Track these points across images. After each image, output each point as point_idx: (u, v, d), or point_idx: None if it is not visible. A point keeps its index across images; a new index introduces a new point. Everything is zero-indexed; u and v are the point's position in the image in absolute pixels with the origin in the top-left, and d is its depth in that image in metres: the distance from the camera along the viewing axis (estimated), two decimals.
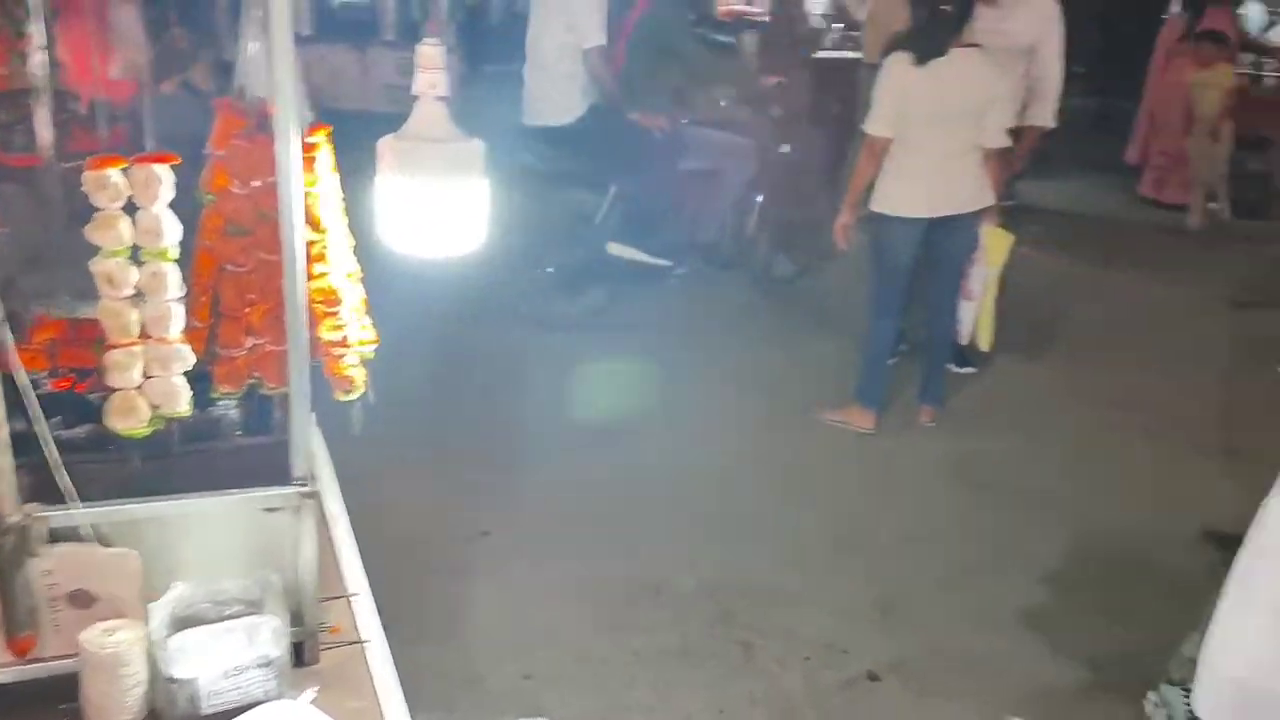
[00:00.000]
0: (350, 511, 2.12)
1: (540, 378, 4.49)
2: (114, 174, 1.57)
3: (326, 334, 1.74)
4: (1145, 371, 4.87)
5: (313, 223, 1.66)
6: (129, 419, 1.63)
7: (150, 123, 2.16)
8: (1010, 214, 4.28)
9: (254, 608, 1.59)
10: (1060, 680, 2.85)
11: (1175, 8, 8.38)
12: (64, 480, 1.54)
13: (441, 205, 1.67)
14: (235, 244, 1.75)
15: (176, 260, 1.63)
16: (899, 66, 3.82)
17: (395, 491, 3.40)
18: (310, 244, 1.64)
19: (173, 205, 1.62)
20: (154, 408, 1.65)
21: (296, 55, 1.49)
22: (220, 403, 1.86)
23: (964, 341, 4.34)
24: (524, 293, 5.07)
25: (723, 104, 5.81)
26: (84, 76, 2.15)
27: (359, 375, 1.80)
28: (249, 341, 1.79)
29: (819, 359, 4.74)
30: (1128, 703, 2.69)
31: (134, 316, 1.61)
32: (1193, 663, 2.51)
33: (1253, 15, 10.23)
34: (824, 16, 8.89)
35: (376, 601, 1.87)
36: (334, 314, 1.72)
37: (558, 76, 5.09)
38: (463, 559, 3.24)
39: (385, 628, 1.80)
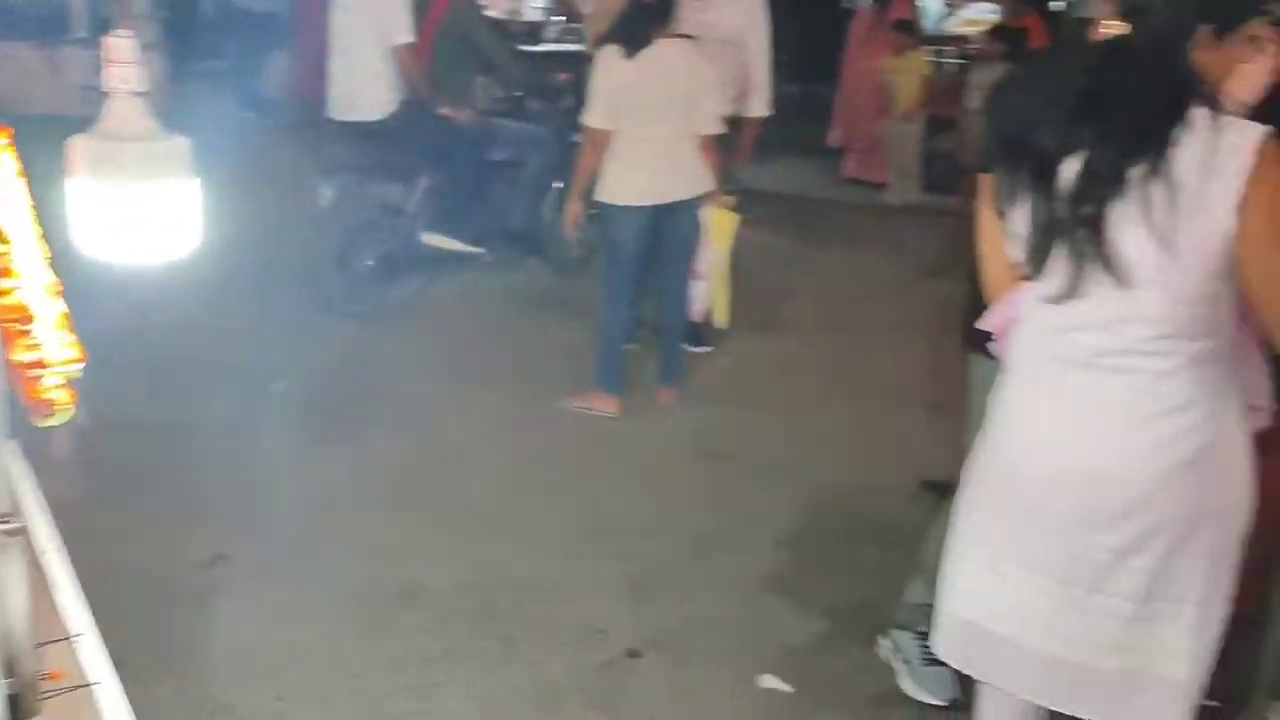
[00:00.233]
0: (69, 545, 1.95)
1: (298, 378, 4.35)
2: None
3: (20, 355, 1.58)
4: (857, 339, 5.24)
5: None
6: None
7: None
8: (738, 199, 4.51)
9: None
10: (804, 635, 3.02)
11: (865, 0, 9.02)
12: None
13: (140, 208, 1.55)
14: None
15: None
16: (609, 59, 3.95)
17: (118, 520, 3.16)
18: None
19: None
20: None
21: None
22: None
23: (698, 321, 4.55)
24: (339, 287, 5.11)
25: (520, 96, 6.19)
26: None
27: (62, 397, 1.66)
28: None
29: (578, 345, 4.78)
30: (865, 647, 2.90)
31: None
32: (915, 607, 2.74)
33: (931, 7, 11.21)
34: (545, 10, 9.01)
35: (105, 640, 1.73)
36: (27, 332, 1.57)
37: (368, 73, 5.21)
38: (200, 585, 3.06)
39: (117, 667, 1.67)
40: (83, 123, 1.59)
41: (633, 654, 2.92)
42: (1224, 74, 1.73)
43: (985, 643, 1.95)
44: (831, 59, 8.96)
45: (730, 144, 4.61)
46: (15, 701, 1.51)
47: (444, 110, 5.37)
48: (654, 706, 2.73)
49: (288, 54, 8.38)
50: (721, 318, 4.54)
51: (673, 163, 4.06)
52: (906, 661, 2.77)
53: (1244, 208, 1.61)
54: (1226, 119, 1.64)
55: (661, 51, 3.93)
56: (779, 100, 4.99)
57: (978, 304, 2.49)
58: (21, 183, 1.65)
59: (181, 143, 1.59)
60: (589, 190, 4.14)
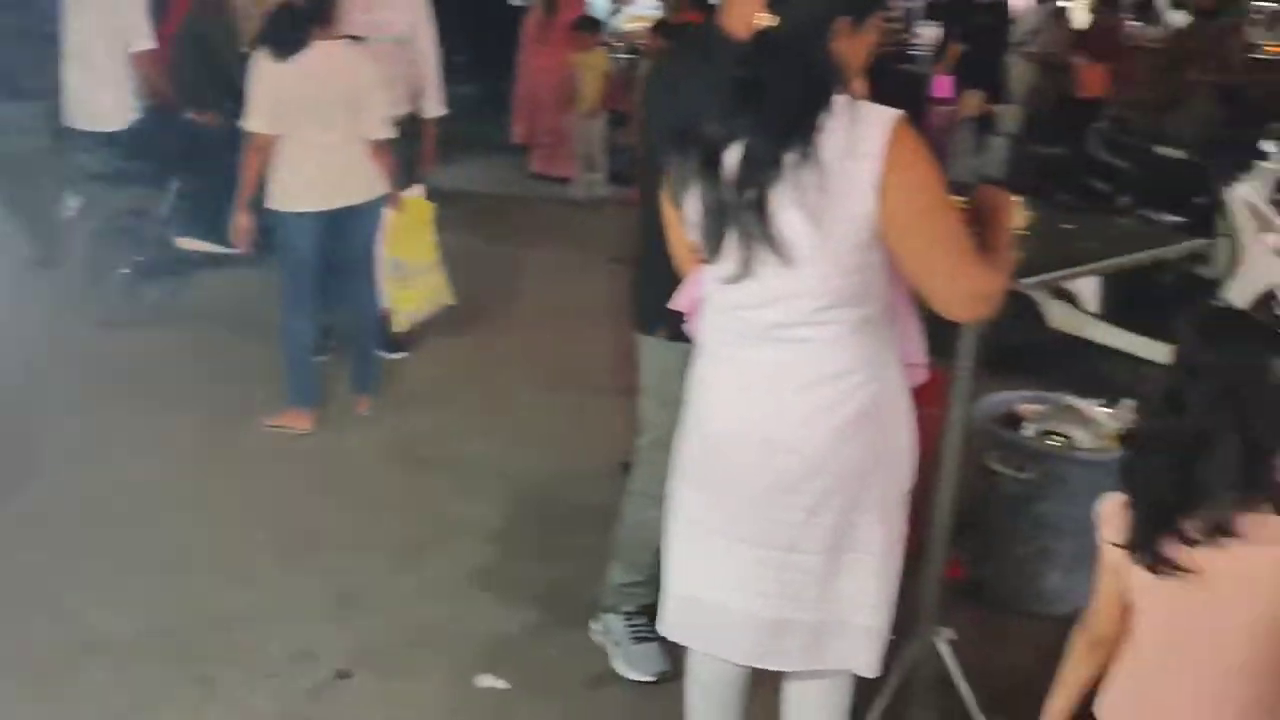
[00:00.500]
0: None
1: None
2: None
3: None
4: (552, 331, 5.32)
5: None
6: None
7: None
8: (430, 198, 4.48)
9: None
10: (516, 629, 3.05)
11: None
12: None
13: None
14: None
15: None
16: (264, 61, 3.79)
17: None
18: None
19: None
20: None
21: None
22: None
23: (395, 327, 4.49)
24: (96, 295, 4.93)
25: None
26: None
27: None
28: None
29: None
30: (578, 632, 2.96)
31: None
32: (619, 588, 2.82)
33: (599, 3, 11.49)
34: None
35: None
36: None
37: (108, 80, 4.99)
38: None
39: None
40: None
41: (342, 674, 2.83)
42: (859, 61, 1.86)
43: (699, 613, 2.03)
44: (506, 57, 9.01)
45: (409, 145, 4.55)
46: None
47: (191, 114, 5.20)
48: None
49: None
50: (403, 321, 4.51)
51: (344, 167, 3.95)
52: (617, 643, 2.84)
53: (883, 189, 1.73)
54: (863, 105, 1.76)
55: (321, 53, 3.81)
56: (458, 100, 4.97)
57: (641, 289, 2.60)
58: None
59: None
60: (259, 199, 3.96)
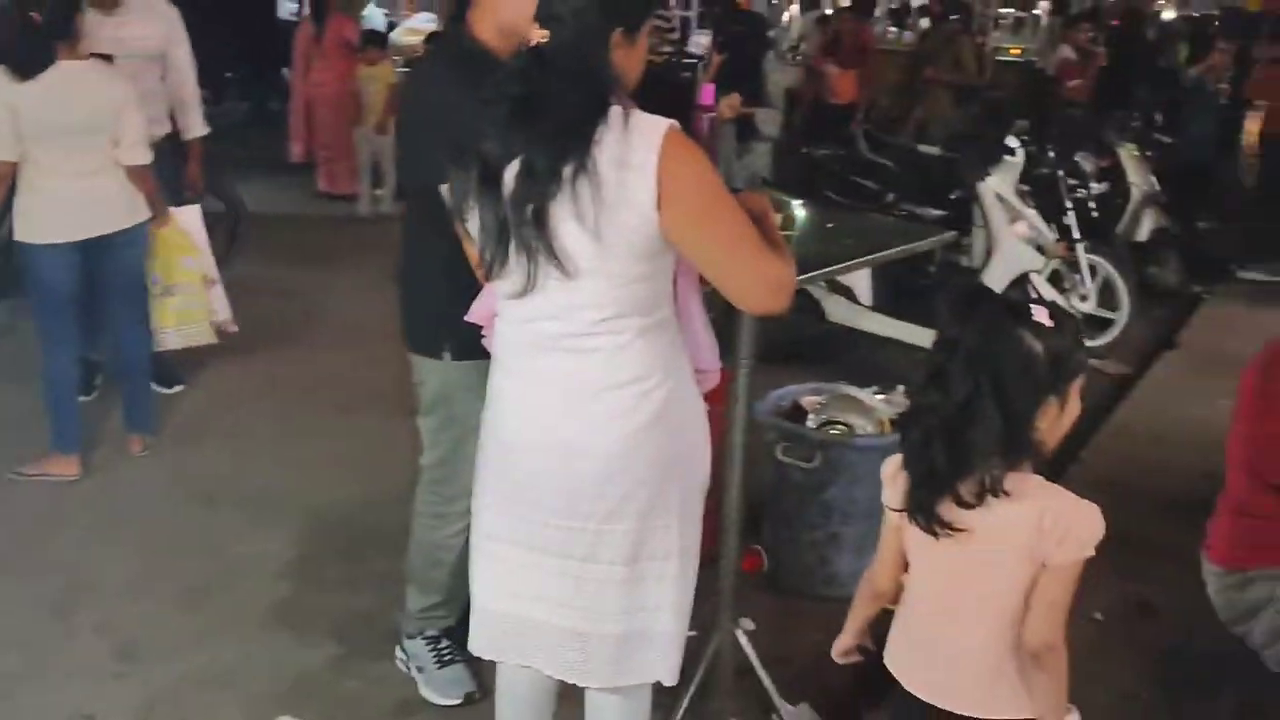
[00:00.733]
0: None
1: None
2: None
3: None
4: (342, 353, 5.18)
5: None
6: None
7: None
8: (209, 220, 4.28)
9: None
10: (316, 663, 2.94)
11: (304, 10, 8.86)
12: None
13: None
14: None
15: None
16: (1, 82, 3.52)
17: None
18: None
19: None
20: None
21: None
22: None
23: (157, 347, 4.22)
24: None
25: None
26: None
27: None
28: None
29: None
30: (383, 663, 2.88)
31: None
32: (418, 613, 2.77)
33: (376, 19, 11.31)
34: None
35: None
36: None
37: None
38: None
39: None
40: None
41: None
42: (634, 71, 1.88)
43: (506, 627, 2.01)
44: (278, 73, 8.73)
45: (172, 166, 4.33)
46: None
47: None
48: None
49: None
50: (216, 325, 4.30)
51: (97, 194, 3.70)
52: (421, 669, 2.78)
53: (661, 198, 1.75)
54: (636, 115, 1.77)
55: (66, 73, 3.56)
56: (235, 118, 4.78)
57: (411, 308, 2.55)
58: None
59: None
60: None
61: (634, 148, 1.74)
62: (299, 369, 5.03)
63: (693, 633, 2.12)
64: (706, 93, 3.14)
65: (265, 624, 3.11)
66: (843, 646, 1.99)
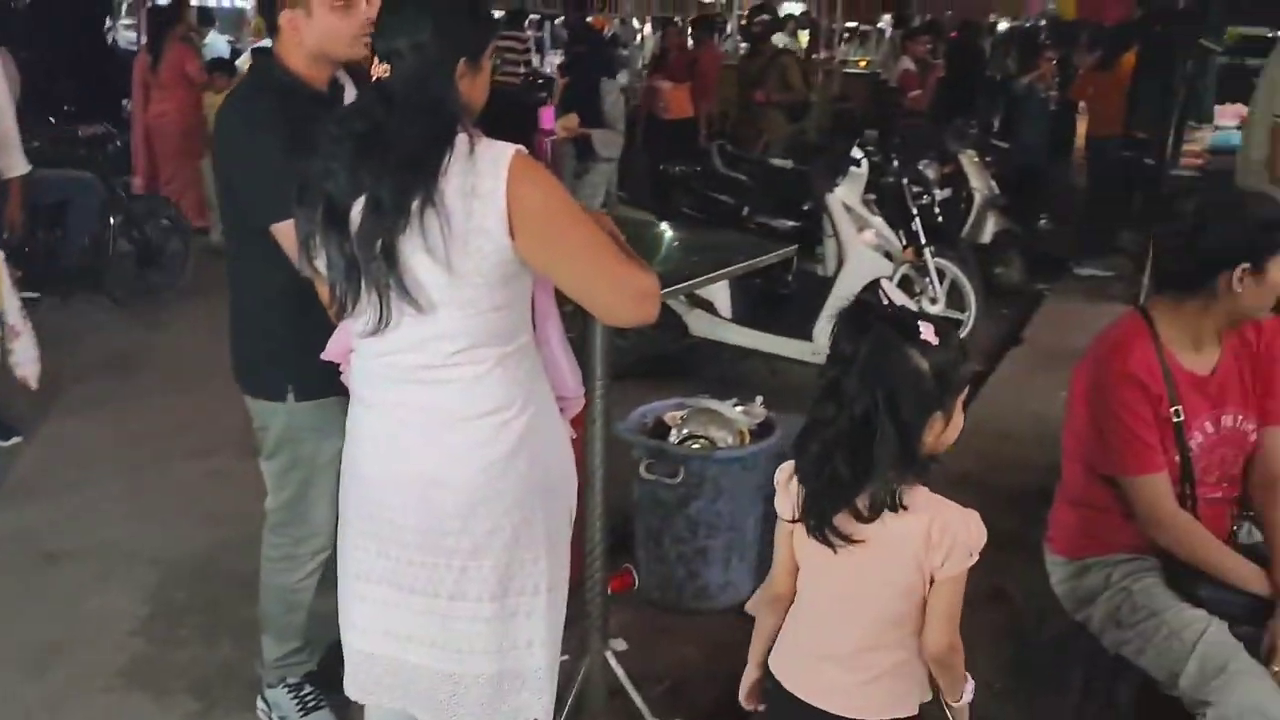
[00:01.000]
0: None
1: None
2: None
3: None
4: (199, 393, 4.97)
5: None
6: None
7: None
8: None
9: None
10: (172, 718, 2.82)
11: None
12: None
13: None
14: None
15: None
16: None
17: None
18: None
19: None
20: None
21: None
22: None
23: None
24: None
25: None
26: None
27: None
28: None
29: None
30: (246, 716, 2.78)
31: None
32: (276, 662, 2.68)
33: (219, 46, 11.00)
34: None
35: None
36: None
37: None
38: None
39: None
40: None
41: None
42: (478, 98, 1.86)
43: (380, 670, 1.96)
44: (119, 105, 8.41)
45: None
46: None
47: None
48: None
49: None
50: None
51: None
52: (284, 719, 2.70)
53: (513, 224, 1.74)
54: (482, 143, 1.76)
55: None
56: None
57: (244, 349, 2.46)
58: None
59: None
60: None
61: (481, 176, 1.74)
62: (149, 414, 4.82)
63: (564, 657, 2.11)
64: (546, 116, 3.15)
65: (119, 685, 2.96)
66: (748, 683, 1.97)
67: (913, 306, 5.14)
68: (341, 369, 2.03)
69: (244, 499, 3.91)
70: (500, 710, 1.95)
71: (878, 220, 5.29)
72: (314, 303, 1.92)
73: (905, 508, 1.68)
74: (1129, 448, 2.16)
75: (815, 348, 4.86)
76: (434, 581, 1.90)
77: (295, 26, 2.22)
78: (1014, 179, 7.55)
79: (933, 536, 1.67)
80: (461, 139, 1.75)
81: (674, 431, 3.38)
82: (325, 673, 2.60)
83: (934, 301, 5.73)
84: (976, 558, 1.70)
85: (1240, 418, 2.23)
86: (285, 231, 2.02)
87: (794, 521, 1.79)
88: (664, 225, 4.39)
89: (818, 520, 1.73)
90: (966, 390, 1.75)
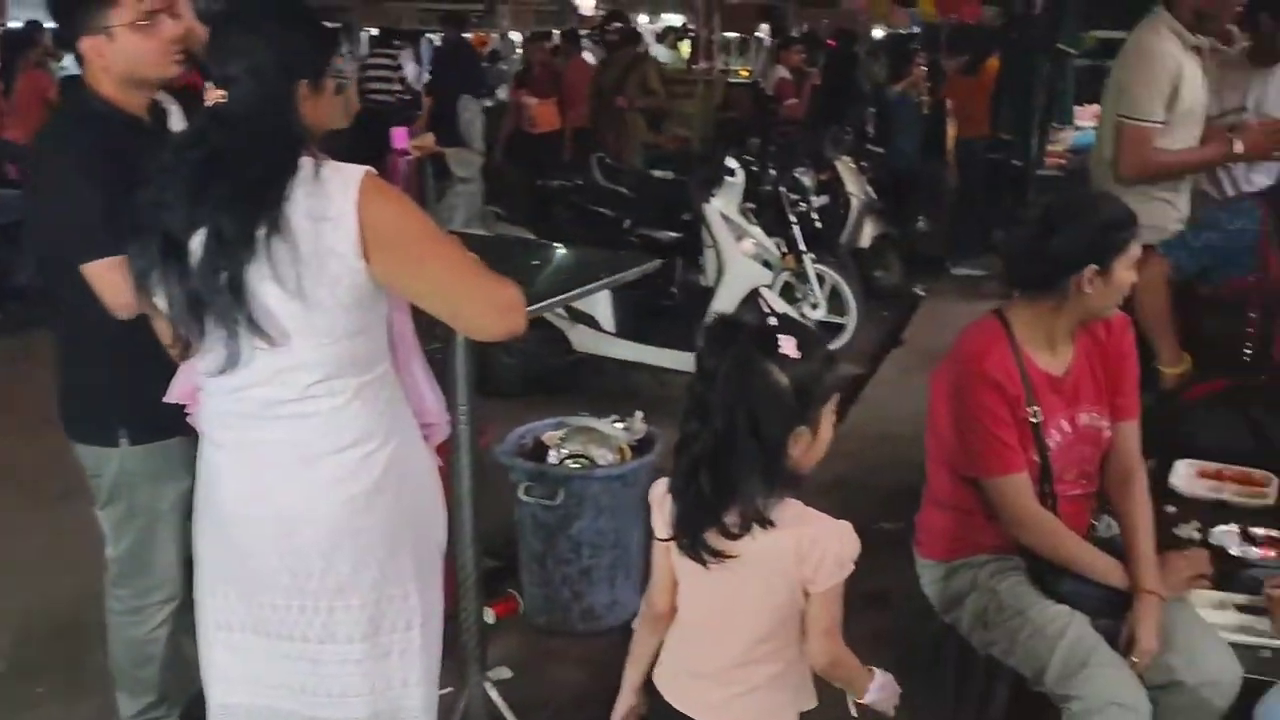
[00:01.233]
0: None
1: None
2: None
3: None
4: (24, 437, 4.68)
5: None
6: None
7: None
8: None
9: None
10: None
11: None
12: None
13: None
14: None
15: None
16: None
17: None
18: None
19: None
20: None
21: None
22: None
23: None
24: None
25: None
26: None
27: None
28: None
29: None
30: None
31: None
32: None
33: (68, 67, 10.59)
34: None
35: None
36: None
37: None
38: None
39: None
40: None
41: None
42: (322, 120, 1.81)
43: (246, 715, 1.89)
44: None
45: None
46: None
47: None
48: None
49: None
50: None
51: None
52: None
53: (367, 247, 1.69)
54: (329, 166, 1.71)
55: None
56: None
57: (71, 393, 2.34)
58: None
59: None
60: None
61: (330, 199, 1.68)
62: (5, 454, 4.57)
63: (444, 690, 2.06)
64: (399, 136, 3.09)
65: None
66: (622, 709, 1.93)
67: (794, 313, 5.22)
68: (188, 409, 1.94)
69: (87, 546, 3.72)
70: None
71: (755, 229, 5.33)
72: (143, 341, 1.83)
73: (773, 523, 1.66)
74: (989, 449, 2.19)
75: None
76: (301, 625, 1.83)
77: (99, 52, 2.13)
78: (890, 183, 7.72)
79: (803, 550, 1.66)
80: (306, 162, 1.70)
81: (553, 452, 3.34)
82: None
83: (815, 307, 5.81)
84: (851, 569, 1.69)
85: (1095, 415, 2.29)
86: (97, 272, 1.94)
87: (667, 539, 1.77)
88: (537, 242, 4.37)
89: (689, 537, 1.71)
90: (836, 401, 1.74)
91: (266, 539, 1.81)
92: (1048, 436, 2.23)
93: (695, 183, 5.42)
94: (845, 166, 7.07)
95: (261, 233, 1.65)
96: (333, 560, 1.80)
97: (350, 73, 9.02)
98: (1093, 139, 3.92)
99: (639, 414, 3.51)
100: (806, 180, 6.41)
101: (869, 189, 7.18)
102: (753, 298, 5.10)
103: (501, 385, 5.21)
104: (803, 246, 5.74)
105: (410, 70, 10.39)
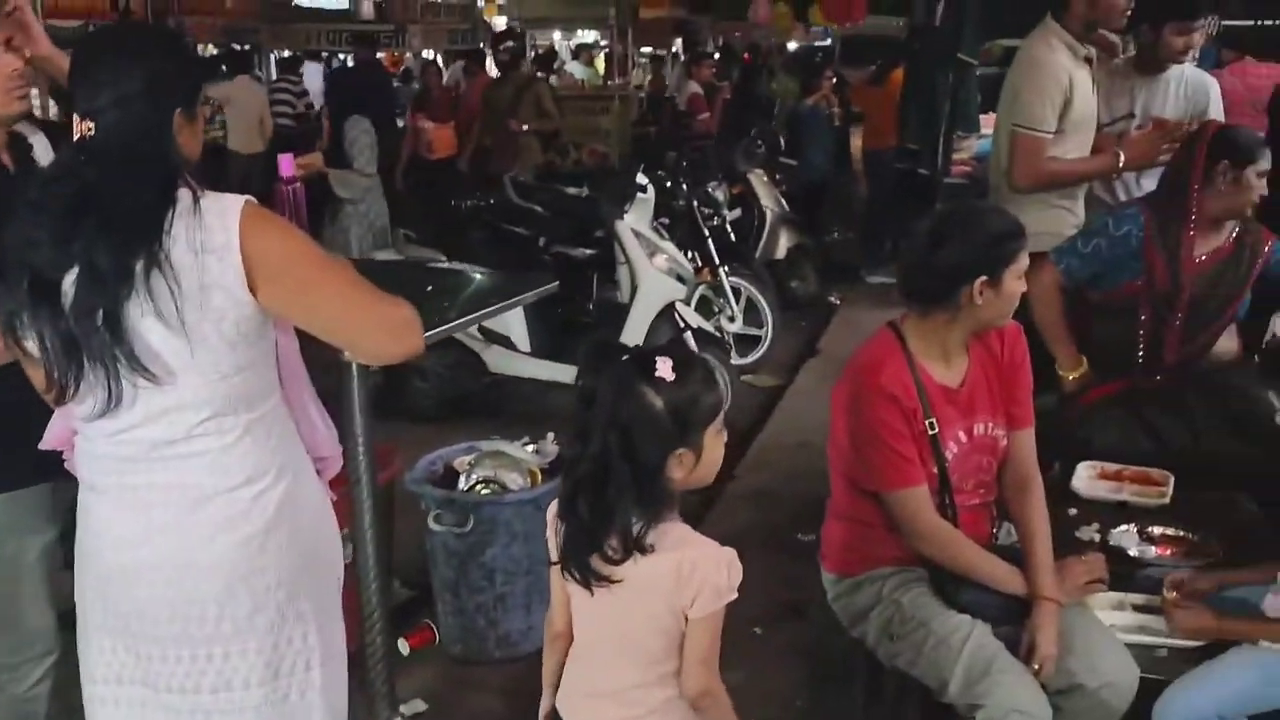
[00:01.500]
0: None
1: None
2: None
3: None
4: None
5: None
6: None
7: None
8: None
9: None
10: None
11: None
12: None
13: None
14: None
15: None
16: None
17: None
18: None
19: None
20: None
21: None
22: None
23: None
24: None
25: None
26: None
27: None
28: None
29: None
30: None
31: None
32: None
33: None
34: None
35: None
36: None
37: None
38: None
39: None
40: None
41: None
42: (195, 150, 1.76)
43: None
44: None
45: None
46: None
47: None
48: None
49: None
50: None
51: None
52: None
53: (252, 277, 1.64)
54: (209, 196, 1.66)
55: None
56: None
57: None
58: None
59: None
60: None
61: (210, 230, 1.64)
62: None
63: None
64: (284, 163, 3.02)
65: None
66: (544, 710, 1.91)
67: (709, 327, 5.20)
68: (65, 456, 1.87)
69: None
70: None
71: (668, 244, 5.34)
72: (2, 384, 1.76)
73: (653, 548, 1.65)
74: (888, 463, 2.21)
75: None
76: (194, 675, 1.77)
77: None
78: (802, 195, 7.80)
79: (683, 575, 1.65)
80: (184, 194, 1.65)
81: (463, 477, 3.29)
82: None
83: (732, 320, 5.84)
84: (731, 597, 1.68)
85: (990, 425, 2.31)
86: None
87: (554, 563, 1.76)
88: (438, 265, 4.31)
89: (574, 561, 1.70)
90: (721, 421, 1.73)
91: (154, 586, 1.75)
92: (945, 448, 2.25)
93: (607, 199, 5.41)
94: (758, 179, 7.13)
95: (139, 267, 1.60)
96: (227, 605, 1.75)
97: (262, 96, 8.88)
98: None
99: (550, 435, 3.48)
100: (719, 194, 6.45)
101: (782, 201, 7.25)
102: (668, 312, 5.10)
103: (416, 409, 5.15)
104: (717, 260, 5.77)
105: (315, 93, 10.26)
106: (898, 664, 2.24)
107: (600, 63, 13.82)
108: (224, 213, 1.66)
